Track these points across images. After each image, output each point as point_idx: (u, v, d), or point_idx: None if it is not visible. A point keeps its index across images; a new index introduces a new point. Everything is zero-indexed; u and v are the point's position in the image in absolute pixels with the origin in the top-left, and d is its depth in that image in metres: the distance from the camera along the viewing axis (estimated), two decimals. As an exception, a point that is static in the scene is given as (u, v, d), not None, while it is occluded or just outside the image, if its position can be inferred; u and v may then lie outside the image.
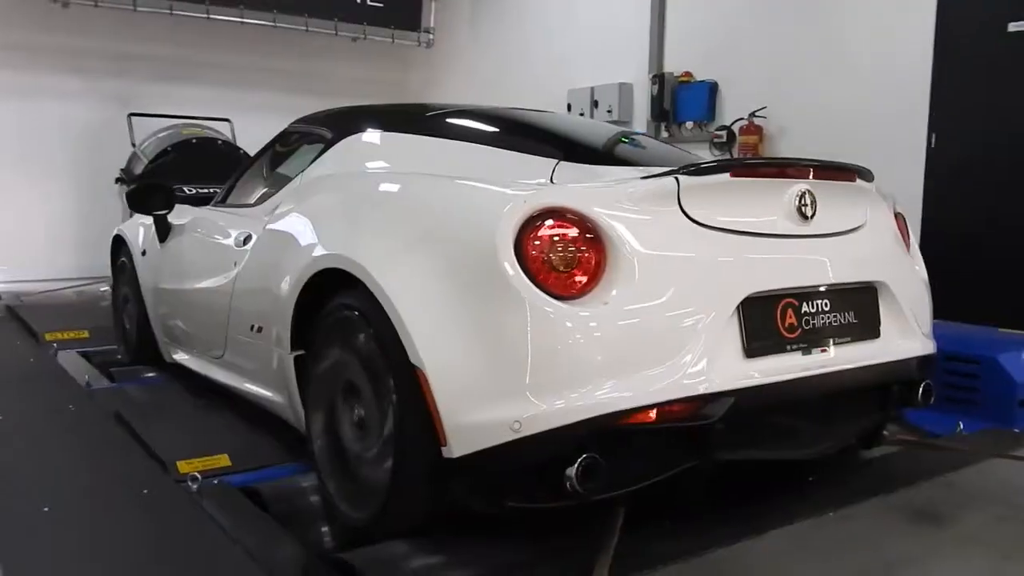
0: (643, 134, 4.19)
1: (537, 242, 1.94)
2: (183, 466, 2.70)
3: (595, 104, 7.88)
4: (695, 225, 2.09)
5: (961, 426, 3.23)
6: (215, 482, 2.58)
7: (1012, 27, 5.19)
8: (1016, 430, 3.28)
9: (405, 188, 2.34)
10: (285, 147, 3.62)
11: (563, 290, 1.94)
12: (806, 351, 2.19)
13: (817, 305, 2.23)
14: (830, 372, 2.20)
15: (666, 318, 1.98)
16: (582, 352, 1.91)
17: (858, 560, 2.15)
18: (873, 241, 2.48)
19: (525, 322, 1.90)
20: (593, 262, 1.97)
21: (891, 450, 2.97)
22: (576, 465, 1.90)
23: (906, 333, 2.46)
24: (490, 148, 2.57)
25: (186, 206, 3.94)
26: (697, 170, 2.11)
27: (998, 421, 3.30)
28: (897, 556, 2.17)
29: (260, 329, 2.83)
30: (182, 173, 6.16)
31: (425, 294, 2.03)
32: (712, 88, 7.07)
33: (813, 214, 2.27)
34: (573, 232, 1.97)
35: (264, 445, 2.92)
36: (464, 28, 9.93)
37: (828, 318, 2.25)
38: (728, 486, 2.41)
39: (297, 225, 2.64)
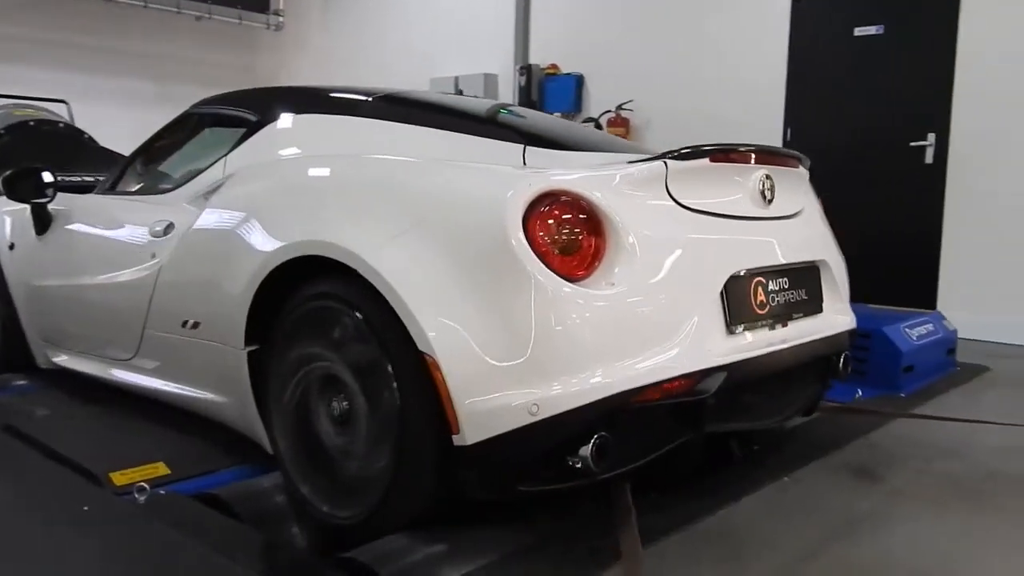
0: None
1: (543, 225, 1.94)
2: (117, 478, 2.47)
3: (459, 94, 7.87)
4: (681, 208, 2.17)
5: (860, 393, 3.54)
6: (162, 492, 2.38)
7: (858, 31, 5.69)
8: (902, 394, 3.63)
9: (396, 172, 2.24)
10: (188, 130, 3.38)
11: (569, 272, 1.95)
12: (771, 327, 2.33)
13: (779, 283, 2.37)
14: (793, 345, 2.35)
15: (666, 298, 2.04)
16: (596, 332, 1.94)
17: (825, 519, 2.32)
18: (812, 223, 2.67)
19: (541, 304, 1.89)
20: (595, 245, 1.99)
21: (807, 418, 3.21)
22: (591, 444, 1.93)
23: (840, 308, 2.67)
24: (451, 133, 2.52)
25: (64, 194, 3.58)
26: (681, 155, 2.19)
27: (887, 388, 3.64)
28: (854, 513, 2.35)
29: (196, 325, 2.63)
30: (21, 157, 5.56)
31: (429, 279, 1.97)
32: (579, 80, 7.27)
33: (772, 198, 2.41)
34: (576, 215, 1.99)
35: (198, 449, 2.71)
36: (316, 11, 9.62)
37: (787, 295, 2.40)
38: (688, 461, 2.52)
39: (246, 212, 2.47)
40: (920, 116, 5.42)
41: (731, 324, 2.18)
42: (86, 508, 2.24)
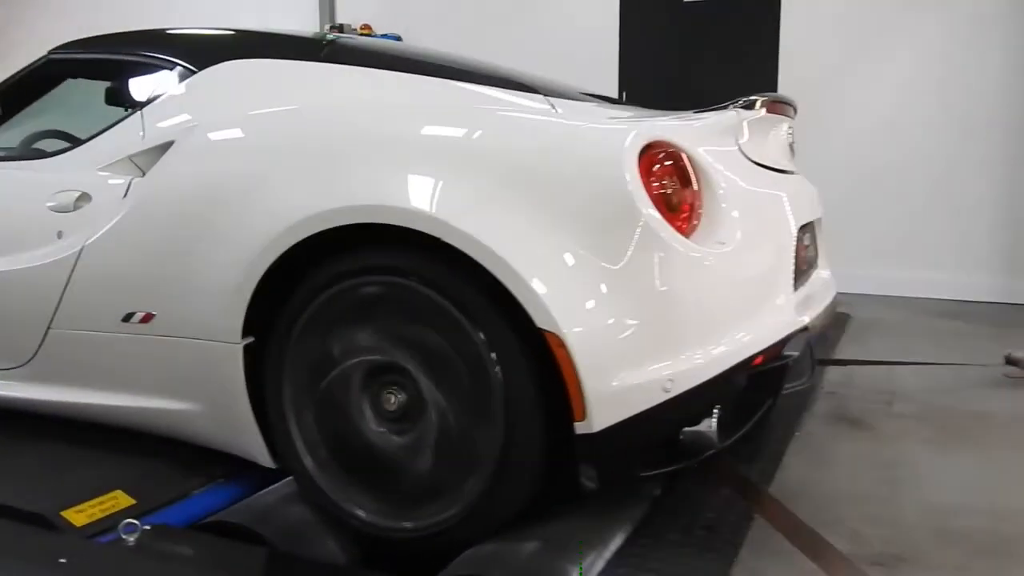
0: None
1: (654, 180, 1.75)
2: (75, 517, 1.92)
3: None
4: (748, 161, 2.07)
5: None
6: (146, 528, 1.88)
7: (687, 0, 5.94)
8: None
9: (474, 124, 1.90)
10: (51, 81, 2.72)
11: (679, 231, 1.78)
12: (804, 282, 2.31)
13: (806, 237, 2.36)
14: (827, 300, 2.35)
15: (763, 257, 1.95)
16: (719, 296, 1.80)
17: (862, 467, 2.37)
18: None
19: (670, 266, 1.71)
20: (696, 200, 1.83)
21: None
22: (715, 418, 1.79)
23: (825, 263, 2.72)
24: (461, 84, 2.20)
25: None
26: (746, 105, 2.08)
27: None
28: (881, 459, 2.43)
29: (148, 318, 2.10)
30: None
31: (538, 246, 1.70)
32: (396, 42, 6.90)
33: (794, 152, 2.39)
34: (678, 169, 1.81)
35: (152, 472, 2.18)
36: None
37: (809, 249, 2.40)
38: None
39: (237, 175, 1.99)
40: (749, 79, 5.76)
41: (796, 281, 2.12)
42: (63, 560, 1.71)
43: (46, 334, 2.28)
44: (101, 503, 1.99)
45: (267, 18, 7.32)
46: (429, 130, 1.92)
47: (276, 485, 2.11)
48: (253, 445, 2.06)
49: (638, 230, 1.69)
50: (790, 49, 5.66)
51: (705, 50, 5.90)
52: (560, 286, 1.67)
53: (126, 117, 2.38)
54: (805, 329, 2.04)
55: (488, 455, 1.73)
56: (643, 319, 1.69)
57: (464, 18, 6.66)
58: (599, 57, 6.17)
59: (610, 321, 1.68)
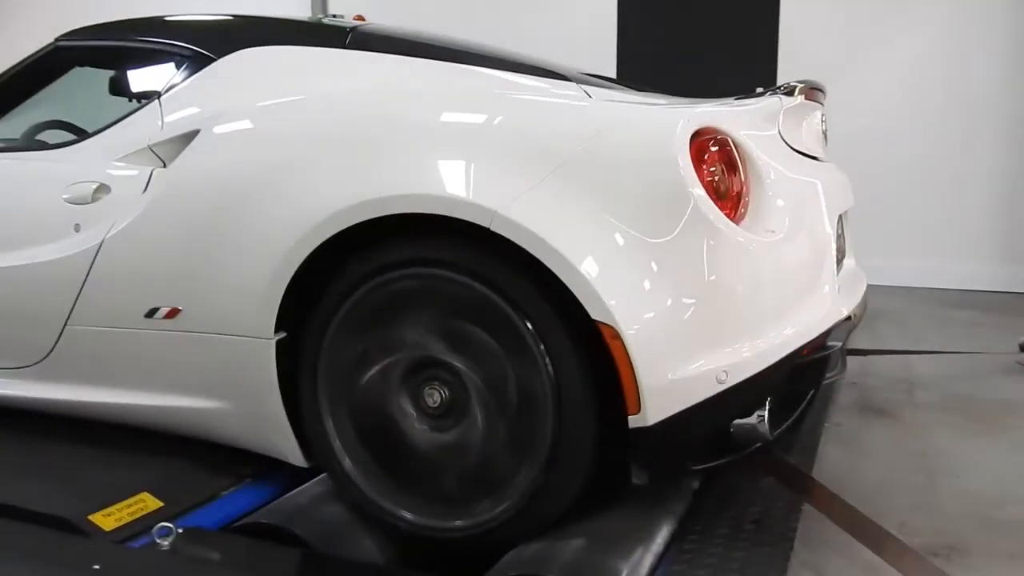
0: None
1: (705, 167, 1.71)
2: (103, 521, 1.85)
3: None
4: (789, 149, 2.03)
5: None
6: (179, 531, 1.81)
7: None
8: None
9: (520, 110, 1.84)
10: (58, 69, 2.62)
11: (729, 218, 1.74)
12: (839, 271, 2.28)
13: (840, 226, 2.33)
14: (861, 290, 2.32)
15: (808, 245, 1.91)
16: (770, 284, 1.77)
17: (895, 454, 2.35)
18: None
19: (723, 254, 1.67)
20: (744, 188, 1.80)
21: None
22: (766, 410, 1.75)
23: (851, 253, 2.69)
24: (493, 72, 2.13)
25: None
26: (788, 91, 2.05)
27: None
28: (914, 448, 2.41)
29: (173, 313, 2.03)
30: None
31: (590, 235, 1.65)
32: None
33: (827, 139, 2.36)
34: (727, 155, 1.77)
35: (177, 473, 2.11)
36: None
37: (841, 239, 2.37)
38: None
39: (268, 165, 1.93)
40: (748, 74, 5.74)
41: (837, 269, 2.09)
42: (97, 567, 1.64)
43: (63, 331, 2.20)
44: (129, 506, 1.92)
45: (262, 5, 7.18)
46: (472, 118, 1.86)
47: (307, 484, 2.05)
48: (284, 444, 2.00)
49: (692, 218, 1.65)
50: (790, 28, 5.64)
51: (704, 38, 5.87)
52: (614, 277, 1.63)
53: (142, 106, 2.30)
54: (848, 319, 2.01)
55: (539, 450, 1.69)
56: (697, 309, 1.65)
57: (464, 5, 6.57)
58: (597, 43, 6.12)
59: (665, 312, 1.64)
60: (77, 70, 2.68)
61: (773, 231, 1.79)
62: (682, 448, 1.74)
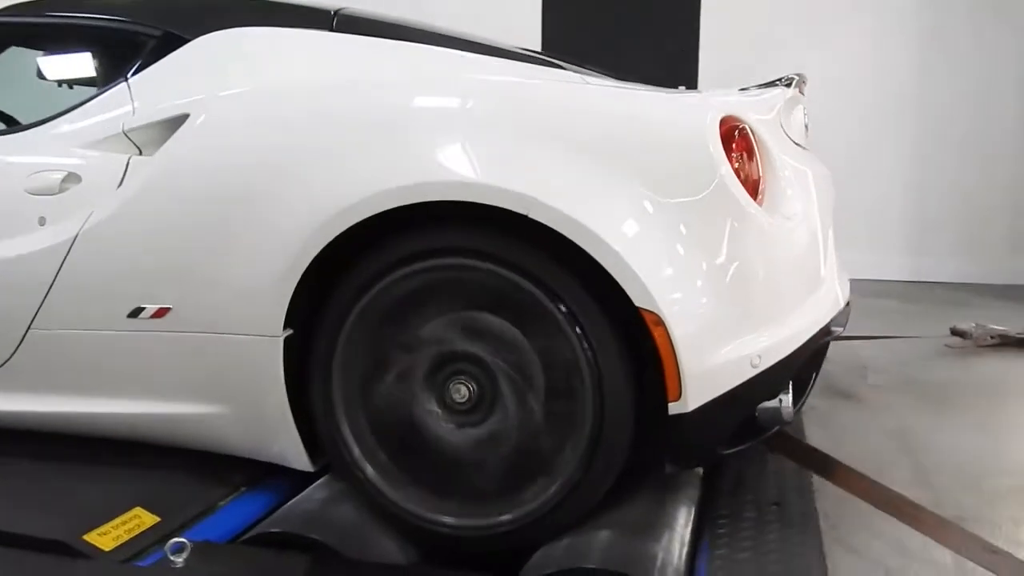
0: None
1: (733, 152, 1.73)
2: (99, 540, 1.70)
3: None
4: (788, 139, 2.08)
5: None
6: (188, 545, 1.68)
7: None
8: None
9: (550, 96, 1.79)
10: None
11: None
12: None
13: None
14: (847, 278, 2.40)
15: (816, 232, 1.96)
16: (795, 268, 1.81)
17: (872, 434, 2.45)
18: None
19: (755, 239, 1.70)
20: (762, 176, 1.83)
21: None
22: (790, 393, 1.79)
23: None
24: (494, 59, 2.08)
25: None
26: (788, 83, 2.10)
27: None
28: (887, 428, 2.52)
29: (160, 312, 1.89)
30: None
31: (630, 222, 1.64)
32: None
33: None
34: (747, 144, 1.79)
35: (167, 485, 1.96)
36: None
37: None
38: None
39: (271, 151, 1.81)
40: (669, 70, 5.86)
41: (827, 258, 2.16)
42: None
43: (25, 335, 2.01)
44: (124, 523, 1.78)
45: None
46: (497, 105, 1.81)
47: (310, 489, 1.95)
48: (289, 448, 1.89)
49: (725, 202, 1.67)
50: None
51: (626, 32, 5.94)
52: (655, 263, 1.62)
53: (105, 90, 2.13)
54: (847, 306, 2.08)
55: (579, 439, 1.66)
56: (734, 294, 1.67)
57: None
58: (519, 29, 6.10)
59: (704, 298, 1.64)
60: (13, 50, 2.46)
61: (789, 218, 1.83)
62: (716, 433, 1.75)
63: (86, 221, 1.93)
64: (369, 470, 1.78)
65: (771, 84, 2.14)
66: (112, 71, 2.22)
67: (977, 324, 3.51)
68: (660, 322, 1.60)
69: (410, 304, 1.74)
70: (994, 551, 1.69)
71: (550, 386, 1.68)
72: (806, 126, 2.38)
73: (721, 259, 1.66)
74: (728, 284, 1.66)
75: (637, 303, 1.60)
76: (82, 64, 2.35)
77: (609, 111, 1.76)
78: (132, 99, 2.06)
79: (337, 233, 1.71)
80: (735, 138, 1.74)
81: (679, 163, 1.68)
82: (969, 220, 5.56)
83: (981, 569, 1.64)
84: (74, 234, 1.93)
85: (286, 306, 1.77)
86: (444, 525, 1.74)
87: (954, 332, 3.53)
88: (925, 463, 2.23)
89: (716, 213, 1.66)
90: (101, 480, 1.95)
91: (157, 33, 2.16)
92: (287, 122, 1.86)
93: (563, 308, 1.64)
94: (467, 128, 1.74)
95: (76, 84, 2.54)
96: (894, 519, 1.82)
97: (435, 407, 1.76)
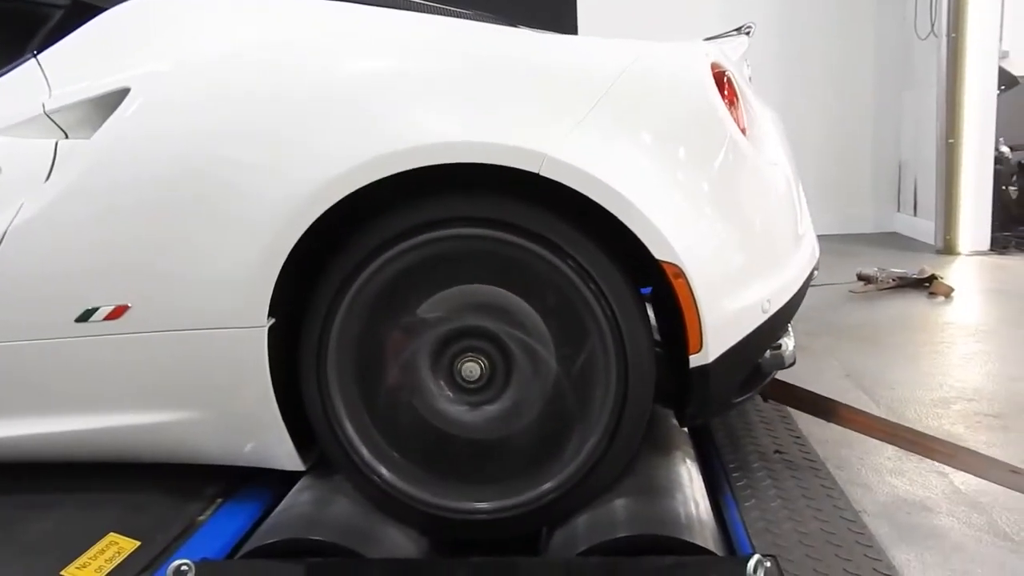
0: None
1: (725, 98, 1.71)
2: (81, 574, 1.49)
3: None
4: (749, 85, 2.09)
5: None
6: (185, 565, 1.50)
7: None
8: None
9: (546, 46, 1.69)
10: None
11: None
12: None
13: None
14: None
15: (791, 175, 1.98)
16: (788, 211, 1.82)
17: (827, 376, 2.53)
18: None
19: (758, 183, 1.71)
20: (744, 123, 1.83)
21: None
22: (791, 336, 1.81)
23: None
24: (464, 20, 1.96)
25: None
26: (747, 31, 2.11)
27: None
28: (840, 370, 2.62)
29: (116, 312, 1.67)
30: None
31: (642, 173, 1.57)
32: None
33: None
34: (731, 90, 1.78)
35: (139, 504, 1.75)
36: None
37: None
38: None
39: (237, 123, 1.62)
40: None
41: (793, 207, 2.20)
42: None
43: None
44: (102, 551, 1.57)
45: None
46: (489, 62, 1.69)
47: (294, 491, 1.77)
48: (277, 448, 1.72)
49: (728, 146, 1.65)
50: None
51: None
52: (670, 213, 1.57)
53: (9, 69, 1.85)
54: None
55: (606, 396, 1.60)
56: (743, 239, 1.65)
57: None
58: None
59: (718, 244, 1.62)
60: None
61: (775, 163, 1.84)
62: (730, 382, 1.73)
63: (15, 217, 1.68)
64: (384, 472, 1.65)
65: (728, 33, 2.15)
66: (12, 47, 1.94)
67: (880, 268, 3.71)
68: (681, 273, 1.55)
69: (411, 281, 1.62)
70: (1014, 471, 1.74)
71: (568, 349, 1.61)
72: (749, 77, 2.41)
73: (729, 204, 1.64)
74: (737, 228, 1.64)
75: (657, 256, 1.54)
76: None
77: (602, 61, 1.69)
78: (46, 77, 1.81)
79: (323, 210, 1.56)
80: (724, 84, 1.72)
81: (683, 111, 1.65)
82: (837, 178, 5.93)
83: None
84: (1, 233, 1.68)
85: (270, 292, 1.61)
86: (480, 512, 1.63)
87: (860, 277, 3.73)
88: (889, 397, 2.32)
89: (719, 159, 1.64)
90: (60, 507, 1.71)
91: (64, 1, 1.91)
92: (253, 95, 1.66)
93: (570, 262, 1.57)
94: (459, 88, 1.62)
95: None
96: (889, 446, 1.87)
97: (446, 388, 1.65)
